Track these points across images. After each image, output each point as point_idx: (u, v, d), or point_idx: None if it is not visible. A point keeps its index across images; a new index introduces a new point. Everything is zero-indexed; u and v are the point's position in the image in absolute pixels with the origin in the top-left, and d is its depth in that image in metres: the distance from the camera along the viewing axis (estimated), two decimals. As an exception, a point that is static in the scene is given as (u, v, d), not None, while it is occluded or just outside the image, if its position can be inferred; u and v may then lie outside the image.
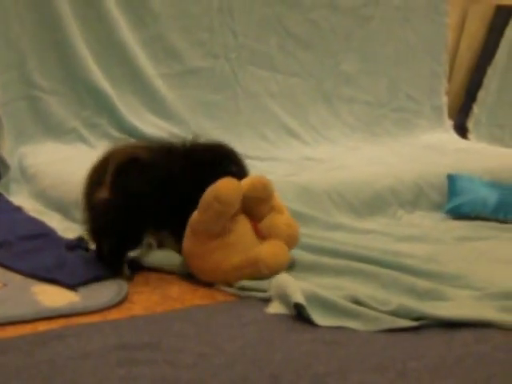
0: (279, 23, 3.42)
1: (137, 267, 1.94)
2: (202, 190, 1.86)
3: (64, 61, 2.89)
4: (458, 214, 2.70)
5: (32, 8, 2.82)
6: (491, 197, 2.72)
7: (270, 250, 1.92)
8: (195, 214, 1.91)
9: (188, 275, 1.92)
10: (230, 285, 1.87)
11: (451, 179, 2.79)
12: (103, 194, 1.84)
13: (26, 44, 2.82)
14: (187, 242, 1.93)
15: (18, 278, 1.80)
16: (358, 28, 3.67)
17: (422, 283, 1.87)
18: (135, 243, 1.93)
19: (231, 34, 3.30)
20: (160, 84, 3.10)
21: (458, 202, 2.71)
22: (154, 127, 3.03)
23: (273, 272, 1.88)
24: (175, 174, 1.93)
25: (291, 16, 3.45)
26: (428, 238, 2.42)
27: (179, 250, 1.96)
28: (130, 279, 1.86)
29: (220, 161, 2.01)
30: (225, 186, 1.88)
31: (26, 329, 1.52)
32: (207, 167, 1.97)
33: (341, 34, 3.62)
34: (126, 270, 1.89)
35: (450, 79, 4.12)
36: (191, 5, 3.17)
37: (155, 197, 1.89)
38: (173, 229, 1.97)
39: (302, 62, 3.51)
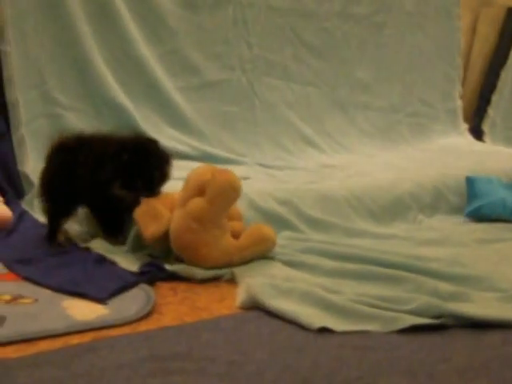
0: (293, 33, 3.45)
1: (164, 278, 1.96)
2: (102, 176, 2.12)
3: (83, 78, 2.92)
4: (477, 216, 2.70)
5: (50, 27, 2.86)
6: (510, 198, 2.72)
7: (271, 229, 2.09)
8: (200, 205, 1.99)
9: (215, 285, 1.96)
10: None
11: (470, 182, 2.79)
12: None
13: (45, 63, 2.86)
14: (189, 234, 2.00)
15: (47, 293, 1.81)
16: (371, 35, 3.70)
17: (445, 286, 1.87)
18: (63, 213, 2.25)
19: (246, 46, 3.33)
20: (178, 97, 3.13)
21: (478, 205, 2.71)
22: (173, 140, 3.05)
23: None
24: (84, 162, 2.17)
25: (305, 26, 3.48)
26: (449, 241, 2.42)
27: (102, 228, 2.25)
28: (63, 246, 2.19)
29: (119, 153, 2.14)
30: (233, 176, 2.02)
31: (59, 343, 1.54)
32: (108, 157, 2.14)
33: (354, 42, 3.64)
34: (60, 238, 2.22)
35: (463, 83, 4.13)
36: (206, 19, 3.21)
37: (66, 177, 2.18)
38: (90, 206, 2.26)
39: (316, 71, 3.54)
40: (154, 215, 2.06)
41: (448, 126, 3.97)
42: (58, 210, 2.24)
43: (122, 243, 2.20)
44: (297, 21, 3.46)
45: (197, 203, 2.01)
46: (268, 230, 2.11)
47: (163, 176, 2.18)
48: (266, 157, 3.25)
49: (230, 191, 2.01)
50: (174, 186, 2.28)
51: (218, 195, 2.00)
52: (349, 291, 1.84)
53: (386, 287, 1.89)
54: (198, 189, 2.04)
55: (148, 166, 2.15)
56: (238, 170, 2.20)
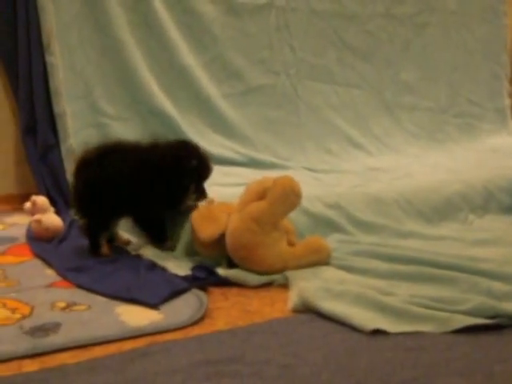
0: (336, 36, 3.44)
1: (215, 283, 1.97)
2: (163, 184, 2.12)
3: (128, 87, 2.95)
4: (529, 215, 2.66)
5: (95, 38, 2.90)
6: (562, 197, 2.68)
7: (326, 241, 2.12)
8: (261, 207, 2.00)
9: (265, 289, 1.96)
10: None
11: (520, 181, 2.75)
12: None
13: (91, 74, 2.90)
14: (247, 234, 2.01)
15: (100, 300, 1.83)
16: (415, 36, 3.68)
17: (499, 286, 1.84)
18: (102, 226, 2.22)
19: (290, 50, 3.33)
20: (223, 104, 3.14)
21: (529, 204, 2.67)
22: (219, 147, 3.06)
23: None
24: (125, 171, 2.15)
25: (348, 28, 3.47)
26: (501, 241, 2.38)
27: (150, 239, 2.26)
28: (108, 256, 2.18)
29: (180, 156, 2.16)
30: (295, 182, 2.02)
31: (113, 348, 1.55)
32: (171, 162, 2.15)
33: (398, 43, 3.63)
34: (104, 251, 2.20)
35: (511, 80, 4.07)
36: (249, 25, 3.22)
37: (98, 191, 2.15)
38: (135, 217, 2.24)
39: (361, 73, 3.52)
40: (212, 218, 2.08)
41: (496, 125, 3.93)
42: (95, 225, 2.22)
43: (170, 249, 2.21)
44: (340, 23, 3.45)
45: (257, 205, 2.03)
46: (324, 241, 2.12)
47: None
48: (312, 160, 3.24)
49: (291, 195, 2.02)
50: (223, 192, 2.29)
51: (279, 197, 2.01)
52: (402, 292, 1.83)
53: (440, 288, 1.87)
54: (259, 195, 2.05)
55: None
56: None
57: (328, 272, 2.01)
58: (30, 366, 1.46)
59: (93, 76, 2.91)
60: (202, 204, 2.18)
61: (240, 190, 2.15)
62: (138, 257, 2.17)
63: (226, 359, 1.48)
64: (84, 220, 2.24)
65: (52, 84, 2.82)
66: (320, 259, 2.07)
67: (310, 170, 3.12)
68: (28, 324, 1.66)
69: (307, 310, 1.76)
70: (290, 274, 1.98)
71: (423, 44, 3.71)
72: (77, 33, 2.88)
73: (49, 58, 2.81)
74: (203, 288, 1.90)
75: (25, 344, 1.54)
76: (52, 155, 2.86)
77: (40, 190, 2.84)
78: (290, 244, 2.08)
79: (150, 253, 2.20)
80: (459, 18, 3.82)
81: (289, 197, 2.02)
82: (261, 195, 2.04)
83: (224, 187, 2.56)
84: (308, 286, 1.85)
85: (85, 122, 2.88)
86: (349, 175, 3.03)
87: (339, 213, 2.40)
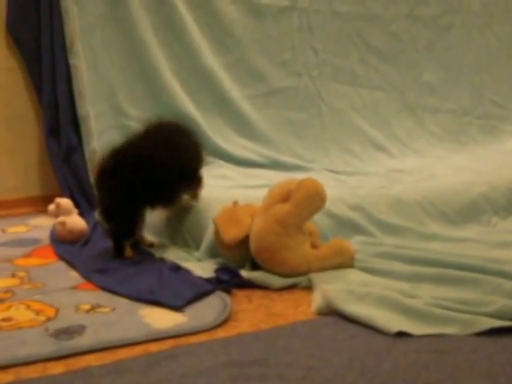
0: (359, 37, 3.44)
1: (239, 286, 1.97)
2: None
3: (152, 90, 2.97)
4: (553, 217, 2.64)
5: (118, 41, 2.93)
6: None
7: (350, 244, 2.11)
8: (285, 209, 2.01)
9: (289, 292, 1.96)
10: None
11: (545, 183, 2.73)
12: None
13: (114, 76, 2.92)
14: (272, 236, 2.01)
15: (124, 302, 1.84)
16: (439, 37, 3.67)
17: (524, 288, 1.83)
18: (129, 231, 2.21)
19: (312, 52, 3.33)
20: (246, 106, 3.15)
21: (553, 206, 2.65)
22: (242, 149, 3.07)
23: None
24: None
25: (371, 29, 3.47)
26: (525, 243, 2.37)
27: None
28: (131, 258, 2.19)
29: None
30: (319, 184, 2.02)
31: (138, 350, 1.56)
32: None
33: (421, 44, 3.62)
34: (128, 252, 2.21)
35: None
36: (271, 27, 3.23)
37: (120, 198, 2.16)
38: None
39: (384, 75, 3.52)
40: (236, 221, 2.08)
41: (520, 126, 3.91)
42: (119, 231, 2.23)
43: None
44: (362, 25, 3.45)
45: (282, 207, 2.03)
46: (348, 243, 2.11)
47: None
48: (335, 162, 3.24)
49: (315, 197, 2.02)
50: (246, 194, 2.29)
51: (304, 200, 2.01)
52: (426, 295, 1.82)
53: (463, 290, 1.86)
54: (282, 197, 2.05)
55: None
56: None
57: (351, 274, 2.00)
58: (55, 368, 1.47)
59: (116, 78, 2.93)
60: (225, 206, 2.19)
61: (263, 192, 2.15)
62: (162, 259, 2.18)
63: (250, 361, 1.48)
64: (109, 225, 2.24)
65: (76, 86, 2.84)
66: (344, 261, 2.06)
67: (332, 171, 3.12)
68: (53, 326, 1.67)
69: (331, 312, 1.77)
70: (313, 276, 1.98)
71: (446, 45, 3.70)
72: (100, 35, 2.91)
73: (72, 60, 2.83)
74: (227, 290, 1.91)
75: (50, 346, 1.56)
76: (75, 157, 2.88)
77: (63, 191, 2.85)
78: (314, 246, 2.08)
79: (173, 255, 2.21)
80: (482, 19, 3.81)
81: (313, 199, 2.02)
82: (284, 197, 2.04)
83: (247, 189, 2.56)
84: (331, 288, 1.85)
85: (108, 124, 2.90)
86: (372, 177, 3.03)
87: (362, 215, 2.39)
